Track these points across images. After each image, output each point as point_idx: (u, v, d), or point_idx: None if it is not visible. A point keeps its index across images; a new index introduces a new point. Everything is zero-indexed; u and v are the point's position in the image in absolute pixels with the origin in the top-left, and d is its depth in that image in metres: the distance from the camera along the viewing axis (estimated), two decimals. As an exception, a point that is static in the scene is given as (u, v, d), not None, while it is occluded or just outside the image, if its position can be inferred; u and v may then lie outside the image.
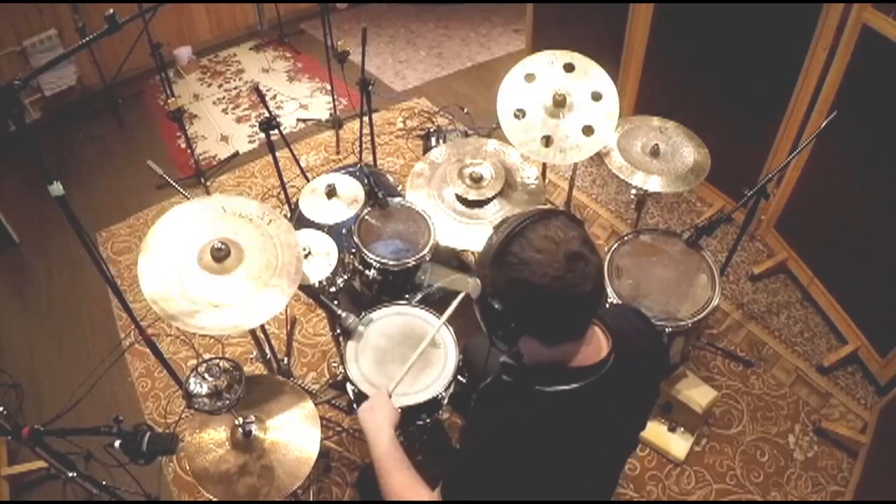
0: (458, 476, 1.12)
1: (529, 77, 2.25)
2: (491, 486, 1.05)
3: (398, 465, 1.21)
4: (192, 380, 1.47)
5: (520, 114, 2.21)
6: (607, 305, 1.19)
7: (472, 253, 2.33)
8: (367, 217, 2.04)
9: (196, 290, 1.47)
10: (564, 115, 2.19)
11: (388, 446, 1.24)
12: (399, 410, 1.35)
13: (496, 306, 1.02)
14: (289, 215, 2.81)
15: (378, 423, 1.28)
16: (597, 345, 1.11)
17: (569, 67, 2.24)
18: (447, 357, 1.64)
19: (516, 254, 0.98)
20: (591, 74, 2.24)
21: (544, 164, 2.55)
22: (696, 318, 1.88)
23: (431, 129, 2.87)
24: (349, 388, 1.64)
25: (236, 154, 3.63)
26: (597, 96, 2.21)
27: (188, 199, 2.04)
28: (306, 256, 1.90)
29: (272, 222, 1.63)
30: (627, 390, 1.14)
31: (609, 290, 1.88)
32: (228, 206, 1.63)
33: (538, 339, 1.05)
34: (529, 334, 1.05)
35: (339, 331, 1.72)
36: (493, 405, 1.16)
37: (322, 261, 1.91)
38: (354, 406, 1.66)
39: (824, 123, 1.96)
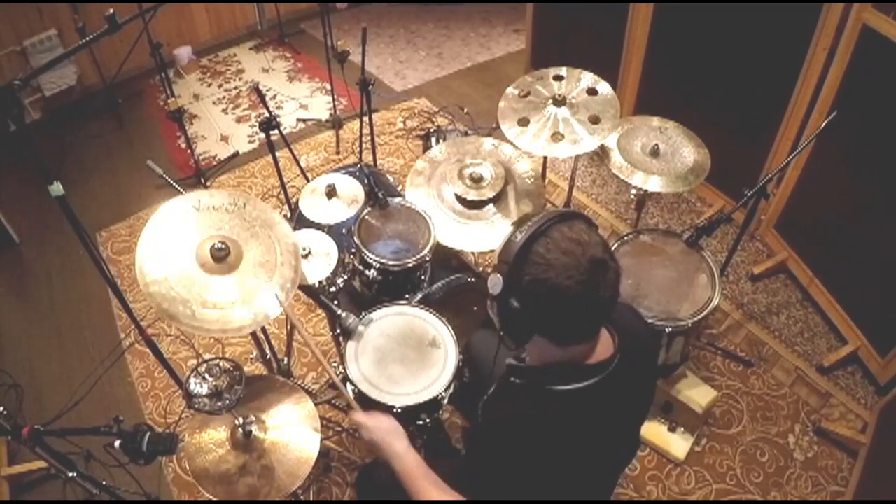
0: (468, 478, 1.11)
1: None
2: (504, 486, 1.05)
3: (428, 476, 1.19)
4: (192, 380, 1.46)
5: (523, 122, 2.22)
6: None
7: (472, 253, 2.33)
8: (367, 217, 2.04)
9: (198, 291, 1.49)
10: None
11: (413, 457, 1.23)
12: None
13: (514, 304, 1.01)
14: (289, 215, 2.81)
15: (390, 432, 1.28)
16: (604, 342, 1.11)
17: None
18: (447, 357, 1.64)
19: (542, 254, 0.97)
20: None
21: (544, 164, 2.55)
22: (696, 318, 1.89)
23: (431, 129, 2.87)
24: (349, 388, 1.64)
25: (236, 154, 3.63)
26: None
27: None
28: (306, 256, 1.90)
29: (247, 205, 1.63)
30: (631, 385, 1.15)
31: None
32: (202, 203, 1.68)
33: (549, 340, 1.04)
34: (542, 334, 1.04)
35: (339, 331, 1.72)
36: (505, 407, 1.13)
37: (322, 261, 1.91)
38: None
39: (824, 123, 1.96)
